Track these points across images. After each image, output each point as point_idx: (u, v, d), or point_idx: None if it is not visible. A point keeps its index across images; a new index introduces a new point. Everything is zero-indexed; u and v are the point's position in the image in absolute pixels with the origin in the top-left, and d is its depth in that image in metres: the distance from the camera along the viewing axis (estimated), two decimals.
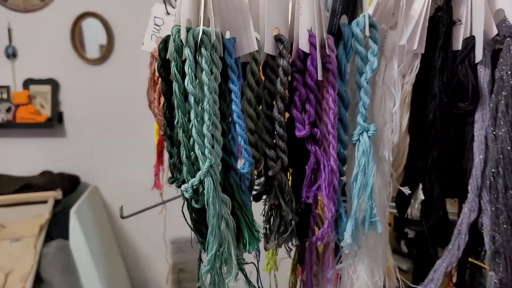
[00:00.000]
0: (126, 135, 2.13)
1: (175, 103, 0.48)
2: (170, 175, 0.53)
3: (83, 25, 2.08)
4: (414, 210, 0.56)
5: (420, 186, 0.55)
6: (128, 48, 2.08)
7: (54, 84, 2.09)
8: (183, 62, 0.47)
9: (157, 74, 0.56)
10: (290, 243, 0.56)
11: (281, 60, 0.49)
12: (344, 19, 0.52)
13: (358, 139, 0.51)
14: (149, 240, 2.18)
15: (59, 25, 2.03)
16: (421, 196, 0.55)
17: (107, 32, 2.06)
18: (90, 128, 2.15)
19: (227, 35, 0.50)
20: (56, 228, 1.83)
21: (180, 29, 0.46)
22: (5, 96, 2.05)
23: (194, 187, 0.47)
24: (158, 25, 0.69)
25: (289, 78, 0.52)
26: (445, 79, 0.50)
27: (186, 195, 0.47)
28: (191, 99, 0.46)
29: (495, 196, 0.48)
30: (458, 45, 0.50)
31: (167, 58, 0.49)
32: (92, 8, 2.04)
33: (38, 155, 2.13)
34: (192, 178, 0.47)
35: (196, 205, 0.48)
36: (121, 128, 2.13)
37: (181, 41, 0.46)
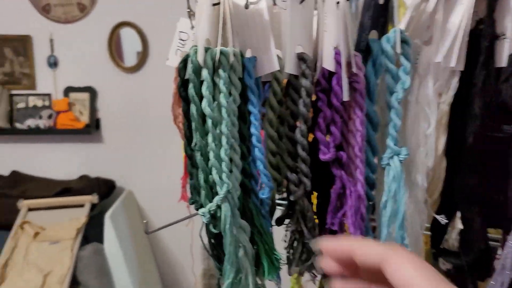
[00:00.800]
0: (160, 140, 2.16)
1: (193, 125, 0.46)
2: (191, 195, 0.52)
3: (119, 34, 2.14)
4: (451, 240, 0.51)
5: (458, 214, 0.50)
6: (162, 56, 2.11)
7: (92, 92, 2.16)
8: (201, 83, 0.45)
9: None
10: (313, 271, 0.53)
11: (304, 81, 0.46)
12: (373, 34, 0.49)
13: (388, 163, 0.48)
14: (181, 245, 2.20)
15: (97, 35, 2.10)
16: (459, 225, 0.50)
17: (142, 41, 2.11)
18: (125, 134, 2.20)
19: (248, 54, 0.48)
20: (92, 232, 1.89)
21: (197, 49, 0.44)
22: (47, 103, 2.14)
23: (212, 212, 0.45)
24: (183, 40, 0.68)
25: (314, 97, 0.49)
26: (487, 99, 0.45)
27: (204, 220, 0.46)
28: (209, 122, 0.44)
29: None
30: (502, 61, 0.45)
31: (186, 78, 0.48)
32: (128, 18, 2.09)
33: (76, 160, 2.21)
34: (210, 202, 0.45)
35: (214, 230, 0.47)
36: (155, 134, 2.17)
37: (199, 62, 0.45)
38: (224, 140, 0.44)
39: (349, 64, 0.47)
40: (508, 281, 0.46)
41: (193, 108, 0.45)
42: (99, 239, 1.85)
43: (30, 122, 2.11)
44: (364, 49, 0.48)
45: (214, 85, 0.45)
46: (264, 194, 0.46)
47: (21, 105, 2.16)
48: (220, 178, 0.44)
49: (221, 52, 0.44)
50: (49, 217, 1.89)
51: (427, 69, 0.47)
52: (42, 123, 2.11)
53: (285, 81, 0.50)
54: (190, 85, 0.45)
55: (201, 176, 0.47)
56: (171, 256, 2.30)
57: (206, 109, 0.44)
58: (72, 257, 1.72)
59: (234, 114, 0.45)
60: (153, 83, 2.13)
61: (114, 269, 1.82)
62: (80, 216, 1.88)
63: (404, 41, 0.46)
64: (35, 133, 2.12)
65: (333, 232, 0.52)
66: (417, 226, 0.50)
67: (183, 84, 0.48)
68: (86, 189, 2.04)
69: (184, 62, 0.48)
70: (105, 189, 2.11)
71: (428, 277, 0.26)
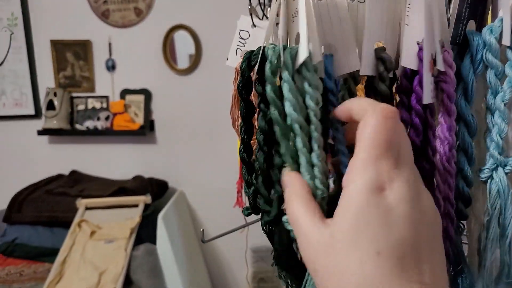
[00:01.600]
0: (212, 142, 2.17)
1: (278, 132, 0.41)
2: (248, 205, 0.48)
3: (173, 37, 2.17)
4: None
5: None
6: (215, 58, 2.12)
7: (147, 94, 2.21)
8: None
9: None
10: None
11: (380, 84, 0.40)
12: (471, 25, 0.42)
13: (491, 175, 0.40)
14: (233, 249, 2.19)
15: (152, 38, 2.15)
16: None
17: (195, 43, 2.13)
18: (178, 135, 2.23)
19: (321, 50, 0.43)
20: (145, 232, 1.92)
21: (275, 47, 0.40)
22: (105, 105, 2.22)
23: None
24: (244, 39, 0.65)
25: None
26: None
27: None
28: (296, 126, 0.39)
29: None
30: None
31: (250, 76, 0.44)
32: (182, 21, 2.12)
33: (131, 160, 2.27)
34: None
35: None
36: (207, 136, 2.18)
37: (277, 61, 0.40)
38: (315, 145, 0.39)
39: (434, 62, 0.41)
40: None
41: (275, 112, 0.40)
42: (152, 239, 1.88)
43: (89, 124, 2.20)
44: (461, 43, 0.42)
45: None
46: None
47: (81, 107, 2.27)
48: (315, 184, 0.39)
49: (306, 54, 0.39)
50: (105, 216, 1.96)
51: None
52: (100, 124, 2.19)
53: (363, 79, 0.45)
54: (269, 88, 0.40)
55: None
56: (222, 259, 2.29)
57: (292, 114, 0.39)
58: (126, 256, 1.75)
59: (316, 116, 0.40)
60: (206, 85, 2.14)
61: (165, 270, 1.83)
62: (134, 216, 1.92)
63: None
64: (93, 134, 2.21)
65: None
66: None
67: (245, 85, 0.44)
68: (140, 189, 2.08)
69: (248, 60, 0.44)
70: (158, 190, 2.15)
71: (376, 140, 0.29)
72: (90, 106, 2.26)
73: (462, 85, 0.41)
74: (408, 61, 0.40)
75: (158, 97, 2.22)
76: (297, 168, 0.40)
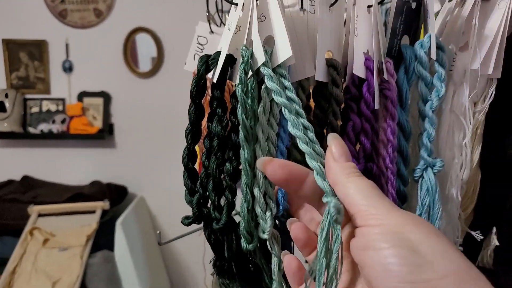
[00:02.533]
0: (173, 147, 2.15)
1: (242, 133, 0.41)
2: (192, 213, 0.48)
3: (134, 39, 2.15)
4: (486, 257, 0.48)
5: (494, 230, 0.47)
6: (177, 62, 2.11)
7: (106, 97, 2.17)
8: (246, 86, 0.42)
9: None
10: None
11: (334, 89, 0.44)
12: (405, 40, 0.47)
13: (422, 175, 0.45)
14: (193, 254, 2.18)
15: (112, 40, 2.11)
16: (494, 241, 0.47)
17: (157, 46, 2.12)
18: (139, 139, 2.20)
19: None
20: (103, 239, 1.87)
21: (249, 48, 0.41)
22: (60, 108, 2.15)
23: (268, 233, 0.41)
24: (202, 44, 0.67)
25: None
26: None
27: (266, 236, 0.41)
28: (285, 111, 0.40)
29: None
30: None
31: (205, 80, 0.46)
32: (143, 24, 2.10)
33: (89, 165, 2.21)
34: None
35: (249, 246, 0.43)
36: (168, 141, 2.16)
37: (250, 62, 0.41)
38: (310, 133, 0.40)
39: (380, 71, 0.45)
40: None
41: (242, 114, 0.41)
42: (110, 246, 1.84)
43: (43, 127, 2.12)
44: (396, 55, 0.46)
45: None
46: (280, 213, 0.43)
47: (35, 109, 2.18)
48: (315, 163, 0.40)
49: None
50: (60, 223, 1.89)
51: (462, 76, 0.45)
52: (55, 127, 2.11)
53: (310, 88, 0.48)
54: (239, 88, 0.42)
55: (247, 189, 0.43)
56: (183, 265, 2.28)
57: (279, 98, 0.39)
58: (81, 264, 1.70)
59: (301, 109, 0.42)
60: (168, 89, 2.13)
61: (124, 277, 1.80)
62: (91, 223, 1.87)
63: (438, 47, 0.44)
64: (48, 137, 2.13)
65: None
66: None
67: (198, 89, 0.46)
68: (97, 195, 2.03)
69: (206, 64, 0.46)
70: (116, 195, 2.11)
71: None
72: (45, 109, 2.18)
73: (398, 93, 0.46)
74: (358, 69, 0.44)
75: (118, 100, 2.19)
76: (252, 174, 0.42)
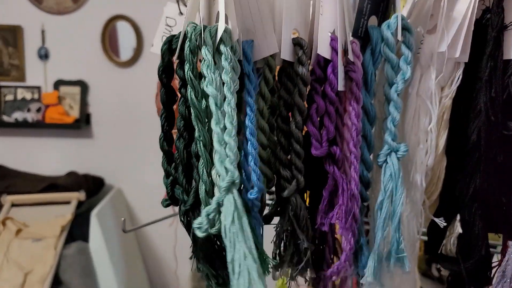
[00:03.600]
0: (152, 138, 2.11)
1: (193, 113, 0.41)
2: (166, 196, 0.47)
3: (114, 27, 2.10)
4: (449, 245, 0.48)
5: (458, 217, 0.47)
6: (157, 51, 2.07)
7: (83, 86, 2.11)
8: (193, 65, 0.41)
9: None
10: (305, 276, 0.49)
11: (300, 68, 0.43)
12: (373, 20, 0.45)
13: (385, 160, 0.44)
14: (168, 245, 2.15)
15: (90, 28, 2.06)
16: (458, 229, 0.47)
17: (136, 35, 2.07)
18: (117, 130, 2.16)
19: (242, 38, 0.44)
20: (78, 230, 1.83)
21: (196, 26, 0.40)
22: (36, 96, 2.09)
23: (211, 216, 0.39)
24: (170, 26, 0.65)
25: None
26: (493, 93, 0.42)
27: (204, 224, 0.39)
28: (212, 103, 0.39)
29: None
30: (510, 53, 0.42)
31: (170, 61, 0.44)
32: (123, 11, 2.05)
33: (65, 155, 2.16)
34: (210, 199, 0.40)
35: (211, 231, 0.40)
36: (147, 131, 2.11)
37: (197, 39, 0.40)
38: (228, 121, 0.38)
39: (345, 52, 0.44)
40: None
41: (191, 93, 0.40)
42: (85, 237, 1.80)
43: (18, 115, 2.05)
44: (363, 36, 0.45)
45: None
46: (252, 194, 0.41)
47: (9, 97, 2.11)
48: (224, 165, 0.38)
49: (224, 29, 0.39)
50: (34, 214, 1.84)
51: (429, 59, 0.44)
52: (30, 116, 2.05)
53: (277, 68, 0.47)
54: (187, 67, 0.40)
55: (204, 170, 0.41)
56: (159, 256, 2.25)
57: (209, 88, 0.38)
58: (55, 255, 1.66)
59: (234, 98, 0.41)
60: (147, 79, 2.07)
61: (99, 269, 1.76)
62: (66, 214, 1.82)
63: (405, 29, 0.43)
64: (23, 126, 2.06)
65: (323, 234, 0.48)
66: (414, 230, 0.47)
67: (165, 69, 0.44)
68: (73, 185, 1.98)
69: (169, 43, 0.44)
70: (93, 186, 2.06)
71: None
72: (19, 97, 2.11)
73: (363, 76, 0.44)
74: (323, 50, 0.43)
75: (96, 89, 2.13)
76: (210, 151, 0.41)
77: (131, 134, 2.15)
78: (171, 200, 0.47)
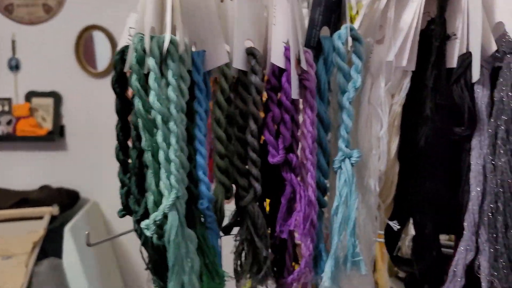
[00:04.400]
0: None
1: (140, 123, 0.42)
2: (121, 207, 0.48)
3: (90, 38, 2.08)
4: (404, 247, 0.49)
5: (412, 220, 0.48)
6: None
7: (56, 97, 2.08)
8: (146, 76, 0.42)
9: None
10: (265, 285, 0.49)
11: (253, 77, 0.44)
12: (325, 31, 0.47)
13: (340, 166, 0.45)
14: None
15: (63, 38, 2.03)
16: (412, 231, 0.48)
17: (111, 46, 2.06)
18: (92, 142, 2.12)
19: (193, 49, 0.45)
20: (51, 246, 1.79)
21: (143, 37, 0.41)
22: (6, 108, 2.04)
23: (158, 222, 0.40)
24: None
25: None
26: (438, 100, 0.44)
27: (149, 233, 0.41)
28: (158, 118, 0.40)
29: (494, 235, 0.42)
30: (453, 62, 0.44)
31: (124, 71, 0.44)
32: (97, 22, 2.04)
33: (38, 169, 2.11)
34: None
35: (159, 242, 0.42)
36: None
37: (144, 50, 0.41)
38: (173, 139, 0.40)
39: (299, 61, 0.45)
40: None
41: (139, 103, 0.41)
42: (59, 253, 1.75)
43: None
44: (315, 46, 0.46)
45: (161, 77, 0.42)
46: (202, 205, 0.42)
47: None
48: (170, 182, 0.40)
49: (170, 40, 0.40)
50: (4, 230, 1.78)
51: (379, 68, 0.46)
52: (0, 129, 2.00)
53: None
54: (134, 77, 0.41)
55: (152, 180, 0.42)
56: (137, 270, 2.21)
57: (155, 104, 0.40)
58: (26, 273, 1.61)
59: (183, 110, 0.42)
60: None
61: (73, 285, 1.72)
62: (38, 229, 1.78)
63: (355, 39, 0.45)
64: None
65: (283, 242, 0.49)
66: (370, 233, 0.48)
67: (118, 80, 0.45)
68: (46, 200, 1.94)
69: (122, 54, 0.45)
70: (68, 200, 2.02)
71: None
72: None
73: (317, 85, 0.46)
74: (276, 59, 0.44)
75: (70, 100, 2.10)
76: (158, 165, 0.41)
77: (107, 146, 2.12)
78: (125, 210, 0.47)
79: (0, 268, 1.62)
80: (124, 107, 0.46)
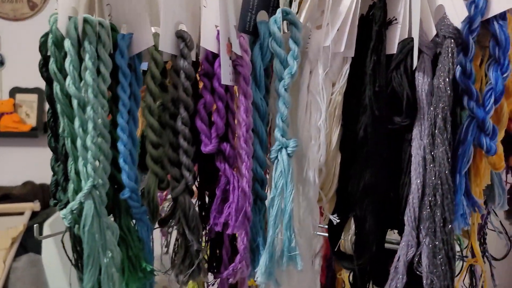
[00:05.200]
0: None
1: (59, 108, 0.41)
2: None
3: None
4: (347, 242, 0.47)
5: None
6: None
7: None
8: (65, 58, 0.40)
9: None
10: (200, 279, 0.47)
11: (182, 61, 0.42)
12: (263, 15, 0.45)
13: (276, 156, 0.43)
14: None
15: None
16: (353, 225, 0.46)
17: None
18: None
19: (123, 30, 0.43)
20: (32, 242, 1.76)
21: (57, 17, 0.39)
22: None
23: (74, 212, 0.39)
24: None
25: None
26: (377, 87, 0.41)
27: (66, 223, 0.40)
28: (74, 103, 0.39)
29: (433, 230, 0.39)
30: (394, 48, 0.42)
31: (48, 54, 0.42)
32: None
33: (20, 165, 2.09)
34: None
35: (79, 232, 0.41)
36: None
37: (61, 32, 0.39)
38: (90, 125, 0.39)
39: (231, 45, 0.43)
40: (402, 286, 0.42)
41: (57, 87, 0.40)
42: (39, 249, 1.73)
43: None
44: (251, 31, 0.44)
45: (81, 61, 0.40)
46: (124, 194, 0.41)
47: None
48: (86, 170, 0.39)
49: (85, 20, 0.38)
50: None
51: (317, 54, 0.43)
52: None
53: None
54: (51, 60, 0.40)
55: (71, 167, 0.41)
56: None
57: (71, 88, 0.38)
58: (3, 268, 1.59)
59: (103, 95, 0.40)
60: None
61: (51, 281, 1.69)
62: (18, 225, 1.75)
63: (293, 23, 0.43)
64: None
65: (220, 235, 0.47)
66: (309, 227, 0.46)
67: (45, 64, 0.43)
68: (28, 196, 1.92)
69: (46, 36, 0.43)
70: (50, 196, 2.00)
71: None
72: None
73: (253, 71, 0.44)
74: (208, 43, 0.42)
75: None
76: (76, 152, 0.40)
77: None
78: (55, 199, 0.45)
79: None
80: (51, 91, 0.44)
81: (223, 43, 0.41)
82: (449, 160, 0.38)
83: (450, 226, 0.38)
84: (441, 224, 0.39)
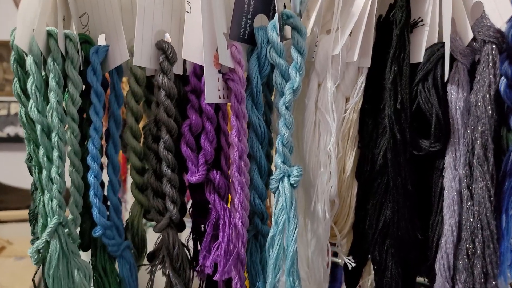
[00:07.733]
0: None
1: (25, 133, 0.37)
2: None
3: None
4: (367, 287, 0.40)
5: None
6: None
7: None
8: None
9: None
10: None
11: (161, 77, 0.36)
12: (261, 20, 0.38)
13: (277, 187, 0.36)
14: None
15: None
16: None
17: None
18: None
19: (102, 41, 0.38)
20: None
21: (16, 32, 0.35)
22: None
23: (41, 251, 0.35)
24: None
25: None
26: (399, 104, 0.33)
27: (33, 262, 0.36)
28: (38, 128, 0.35)
29: (471, 285, 0.31)
30: (418, 56, 0.34)
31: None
32: None
33: None
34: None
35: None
36: None
37: (21, 48, 0.35)
38: (55, 154, 0.34)
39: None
40: None
41: (22, 110, 0.36)
42: None
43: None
44: (247, 39, 0.38)
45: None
46: (95, 232, 0.36)
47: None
48: (51, 205, 0.34)
49: (48, 34, 0.34)
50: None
51: (325, 64, 0.36)
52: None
53: None
54: (15, 80, 0.36)
55: (41, 199, 0.37)
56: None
57: (33, 112, 0.34)
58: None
59: (73, 119, 0.35)
60: None
61: None
62: None
63: (295, 28, 0.35)
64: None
65: (209, 277, 0.40)
66: (320, 270, 0.39)
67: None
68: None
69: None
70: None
71: None
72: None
73: (249, 86, 0.37)
74: (192, 54, 0.36)
75: None
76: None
77: None
78: (33, 231, 0.41)
79: (12, 269, 1.64)
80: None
81: (207, 54, 0.35)
82: (492, 198, 0.30)
83: (494, 283, 0.30)
84: (482, 280, 0.31)
